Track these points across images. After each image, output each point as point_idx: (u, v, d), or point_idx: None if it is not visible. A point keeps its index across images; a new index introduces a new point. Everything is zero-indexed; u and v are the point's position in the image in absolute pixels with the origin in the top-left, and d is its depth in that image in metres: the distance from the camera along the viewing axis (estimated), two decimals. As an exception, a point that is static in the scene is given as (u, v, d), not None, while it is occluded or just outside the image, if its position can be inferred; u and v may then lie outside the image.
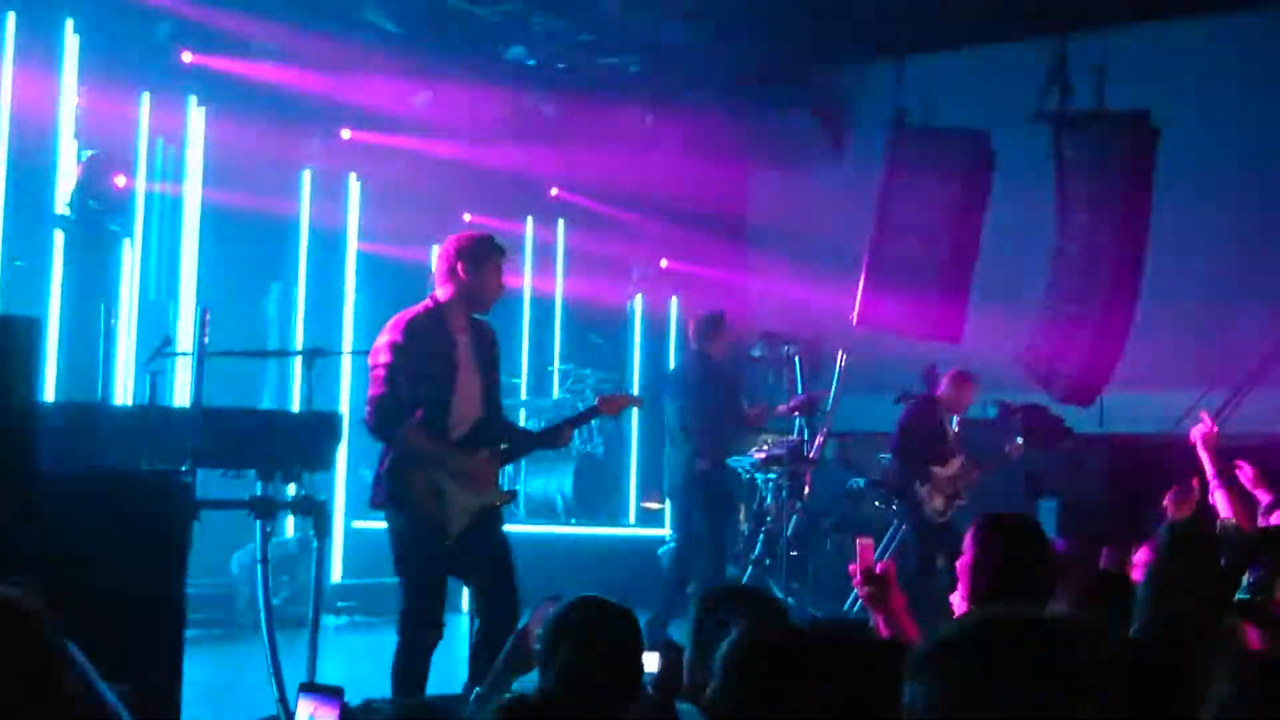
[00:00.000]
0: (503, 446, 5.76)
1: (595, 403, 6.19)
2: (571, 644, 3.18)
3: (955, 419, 9.13)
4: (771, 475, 9.39)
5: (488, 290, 5.61)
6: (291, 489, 6.23)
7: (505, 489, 5.78)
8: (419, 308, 5.59)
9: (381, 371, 5.43)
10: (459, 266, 5.56)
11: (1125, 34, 10.36)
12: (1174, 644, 2.40)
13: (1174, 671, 2.39)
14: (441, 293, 5.61)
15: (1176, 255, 10.23)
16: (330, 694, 2.96)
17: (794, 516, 9.50)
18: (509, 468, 8.05)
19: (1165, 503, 3.71)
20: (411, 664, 5.42)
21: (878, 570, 3.55)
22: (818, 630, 3.02)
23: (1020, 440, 9.13)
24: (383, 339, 5.50)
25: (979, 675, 1.94)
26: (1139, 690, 2.33)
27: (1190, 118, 10.21)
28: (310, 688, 3.06)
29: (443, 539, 5.41)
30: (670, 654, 3.51)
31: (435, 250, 11.18)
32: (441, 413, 5.46)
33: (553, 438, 6.01)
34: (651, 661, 3.54)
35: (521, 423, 10.87)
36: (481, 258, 5.58)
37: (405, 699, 5.24)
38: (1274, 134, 10.55)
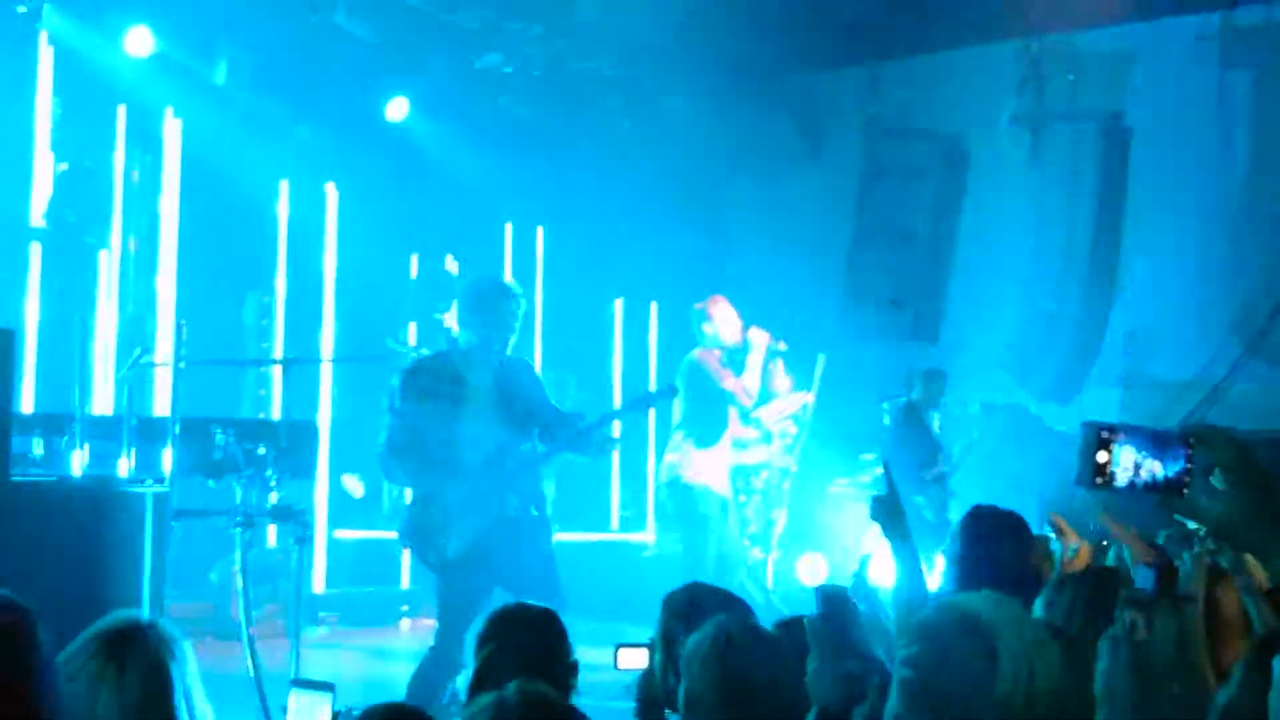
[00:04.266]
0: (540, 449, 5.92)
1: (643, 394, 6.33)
2: (489, 649, 3.22)
3: (936, 416, 9.20)
4: (752, 478, 9.39)
5: (478, 338, 5.82)
6: (272, 498, 6.23)
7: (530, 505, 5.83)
8: (434, 354, 6.09)
9: (386, 417, 5.80)
10: (467, 317, 5.89)
11: (1097, 36, 10.41)
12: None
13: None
14: (461, 336, 5.94)
15: (1154, 254, 10.29)
16: (321, 689, 2.97)
17: (775, 520, 9.51)
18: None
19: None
20: (432, 676, 5.61)
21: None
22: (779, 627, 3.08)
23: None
24: (390, 385, 5.87)
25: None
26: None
27: (1163, 116, 10.26)
28: (301, 683, 3.06)
29: (446, 561, 5.64)
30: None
31: (414, 259, 11.32)
32: (448, 445, 5.69)
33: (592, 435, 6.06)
34: (639, 659, 3.57)
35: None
36: (482, 308, 5.86)
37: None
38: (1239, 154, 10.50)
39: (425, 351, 6.09)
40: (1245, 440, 2.83)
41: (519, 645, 3.24)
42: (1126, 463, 2.80)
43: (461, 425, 5.71)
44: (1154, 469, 2.79)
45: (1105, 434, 2.76)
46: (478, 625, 3.38)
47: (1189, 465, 2.77)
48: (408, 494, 6.02)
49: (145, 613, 5.16)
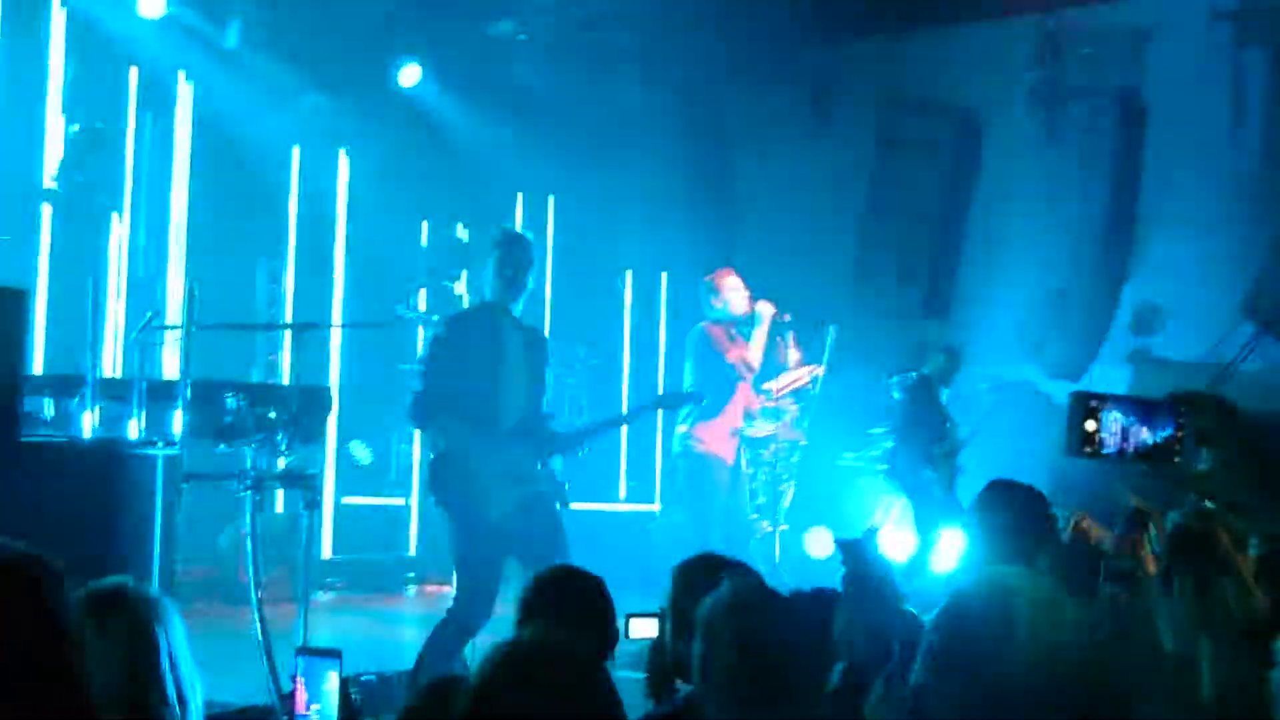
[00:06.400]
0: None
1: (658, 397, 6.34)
2: (545, 612, 3.22)
3: (946, 392, 9.19)
4: (761, 451, 9.38)
5: (504, 288, 5.80)
6: (281, 463, 6.24)
7: (551, 477, 5.84)
8: (472, 305, 5.93)
9: (421, 366, 5.82)
10: (486, 272, 5.89)
11: (1113, 10, 10.33)
12: None
13: None
14: (489, 292, 5.89)
15: (1166, 232, 10.24)
16: (328, 656, 2.97)
17: (784, 493, 9.51)
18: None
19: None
20: (448, 641, 5.59)
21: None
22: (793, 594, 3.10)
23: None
24: (432, 334, 5.95)
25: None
26: None
27: (1178, 93, 10.19)
28: (308, 651, 3.06)
29: (484, 525, 5.63)
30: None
31: (425, 225, 11.30)
32: (489, 402, 5.70)
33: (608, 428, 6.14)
34: (649, 629, 3.57)
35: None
36: (489, 257, 5.86)
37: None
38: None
39: (436, 316, 6.06)
40: (1232, 406, 2.81)
41: (569, 609, 3.26)
42: (1115, 430, 2.80)
43: (500, 382, 5.73)
44: (1142, 436, 2.79)
45: (1093, 403, 2.76)
46: (526, 588, 3.38)
47: (1178, 432, 2.77)
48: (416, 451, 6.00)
49: (155, 575, 5.18)
